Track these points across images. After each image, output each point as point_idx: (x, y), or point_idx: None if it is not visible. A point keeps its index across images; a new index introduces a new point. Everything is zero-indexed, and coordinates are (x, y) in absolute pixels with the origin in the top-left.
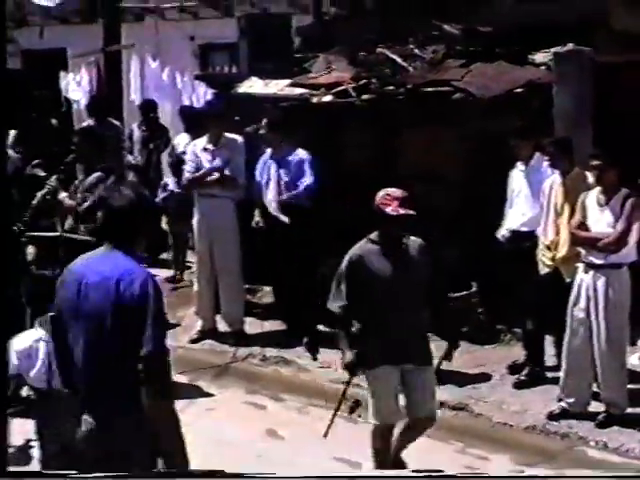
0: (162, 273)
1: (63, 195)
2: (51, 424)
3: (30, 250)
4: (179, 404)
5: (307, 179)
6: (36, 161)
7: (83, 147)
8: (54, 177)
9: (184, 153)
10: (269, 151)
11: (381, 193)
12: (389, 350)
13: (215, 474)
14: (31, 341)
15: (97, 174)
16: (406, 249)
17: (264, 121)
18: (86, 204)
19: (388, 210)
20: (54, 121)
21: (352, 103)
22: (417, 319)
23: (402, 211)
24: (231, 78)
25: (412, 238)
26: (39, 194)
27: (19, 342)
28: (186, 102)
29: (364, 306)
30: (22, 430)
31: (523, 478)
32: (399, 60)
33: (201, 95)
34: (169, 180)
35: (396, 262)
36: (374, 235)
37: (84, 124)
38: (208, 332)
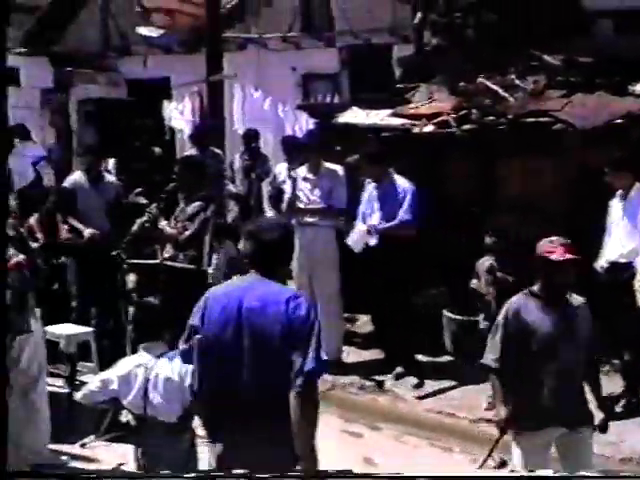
0: None
1: (163, 223)
2: (148, 450)
3: (131, 277)
4: None
5: (404, 211)
6: (138, 189)
7: (185, 176)
8: (154, 205)
9: (284, 182)
10: (373, 182)
11: (544, 242)
12: (545, 413)
13: (343, 473)
14: (132, 366)
15: (198, 203)
16: (568, 305)
17: (361, 154)
18: (187, 233)
19: (554, 257)
20: (157, 149)
21: (453, 133)
22: (576, 381)
23: (569, 256)
24: (332, 108)
25: (574, 296)
26: (139, 221)
27: (121, 367)
28: (288, 132)
29: (520, 362)
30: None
31: (523, 478)
32: (500, 90)
33: (303, 125)
34: (269, 215)
35: (558, 318)
36: (536, 287)
37: (186, 153)
38: None
